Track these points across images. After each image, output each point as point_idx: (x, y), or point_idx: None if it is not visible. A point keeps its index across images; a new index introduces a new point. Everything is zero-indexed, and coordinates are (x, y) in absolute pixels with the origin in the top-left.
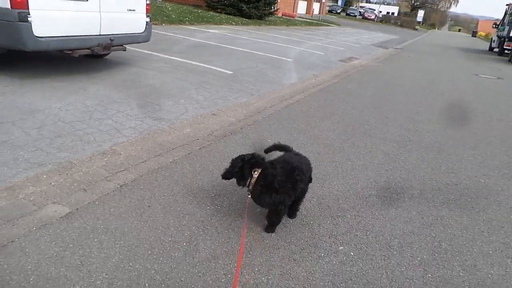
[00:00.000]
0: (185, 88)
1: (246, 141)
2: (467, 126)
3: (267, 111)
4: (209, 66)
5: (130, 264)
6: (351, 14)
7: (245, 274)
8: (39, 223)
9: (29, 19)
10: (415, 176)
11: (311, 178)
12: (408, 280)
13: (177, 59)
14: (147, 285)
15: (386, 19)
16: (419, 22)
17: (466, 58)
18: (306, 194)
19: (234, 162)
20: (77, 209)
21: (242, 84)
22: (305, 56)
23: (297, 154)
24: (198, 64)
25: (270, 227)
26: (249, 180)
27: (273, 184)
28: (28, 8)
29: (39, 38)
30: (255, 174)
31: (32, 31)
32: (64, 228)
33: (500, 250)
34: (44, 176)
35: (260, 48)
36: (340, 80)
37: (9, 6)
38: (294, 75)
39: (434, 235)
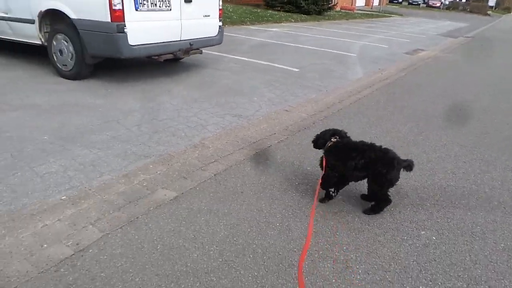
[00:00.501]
0: (256, 86)
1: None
2: None
3: (336, 106)
4: (275, 65)
5: (235, 239)
6: (414, 3)
7: (335, 251)
8: (155, 204)
9: (125, 30)
10: (495, 167)
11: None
12: (492, 263)
13: (245, 59)
14: (251, 256)
15: (453, 6)
16: (491, 7)
17: None
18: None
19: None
20: (182, 193)
21: (309, 81)
22: (368, 50)
23: (380, 148)
24: (265, 63)
25: (322, 185)
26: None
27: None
28: (124, 21)
29: (133, 46)
30: (334, 139)
31: (127, 41)
32: (175, 209)
33: None
34: (151, 166)
35: (322, 44)
36: (408, 73)
37: (109, 20)
38: (359, 69)
39: None
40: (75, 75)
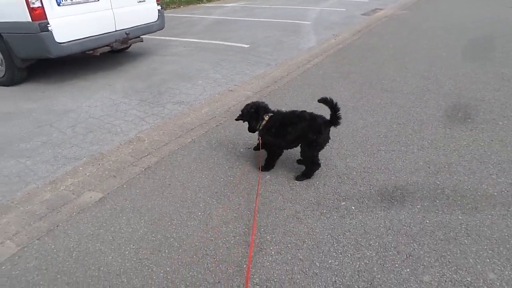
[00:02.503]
0: (203, 68)
1: None
2: (492, 67)
3: (284, 80)
4: (226, 43)
5: (153, 235)
6: None
7: (250, 235)
8: (78, 208)
9: (49, 28)
10: (427, 126)
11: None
12: (405, 227)
13: (196, 40)
14: (166, 251)
15: None
16: None
17: None
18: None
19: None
20: (108, 193)
21: (260, 56)
22: (324, 16)
23: (310, 115)
24: (216, 42)
25: (265, 167)
26: (260, 123)
27: (272, 129)
28: (46, 18)
29: (62, 44)
30: (266, 117)
31: (54, 39)
32: (98, 211)
33: (506, 191)
34: (80, 168)
35: (278, 14)
36: (362, 35)
37: (30, 19)
38: (312, 38)
39: (438, 182)
40: (9, 81)
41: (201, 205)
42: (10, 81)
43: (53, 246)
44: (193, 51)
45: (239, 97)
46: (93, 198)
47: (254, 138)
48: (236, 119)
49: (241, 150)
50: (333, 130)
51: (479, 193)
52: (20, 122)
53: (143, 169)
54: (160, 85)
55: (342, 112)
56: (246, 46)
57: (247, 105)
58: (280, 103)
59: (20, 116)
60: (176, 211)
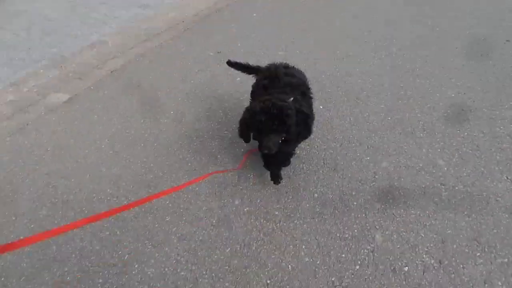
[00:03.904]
0: None
1: (231, 16)
2: None
3: None
4: None
5: (127, 131)
6: None
7: (221, 129)
8: (46, 109)
9: None
10: (398, 33)
11: None
12: (368, 122)
13: None
14: (142, 144)
15: None
16: None
17: None
18: None
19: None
20: (76, 95)
21: None
22: None
23: None
24: None
25: None
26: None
27: None
28: None
29: None
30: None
31: None
32: (68, 111)
33: (463, 93)
34: (41, 71)
35: None
36: None
37: None
38: None
39: (402, 85)
40: None
41: (173, 104)
42: None
43: (26, 142)
44: None
45: (209, 2)
46: (60, 99)
47: (224, 43)
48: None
49: (210, 53)
50: (302, 35)
51: (437, 95)
52: None
53: (110, 72)
54: None
55: (314, 19)
56: None
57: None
58: (251, 9)
59: None
60: (148, 110)
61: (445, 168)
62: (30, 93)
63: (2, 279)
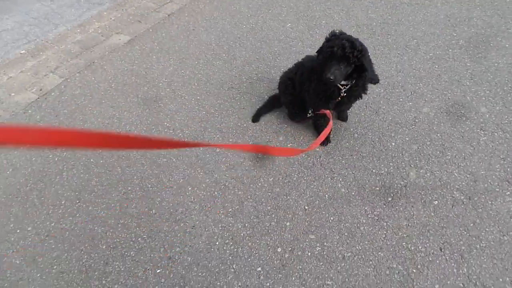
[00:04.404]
0: None
1: None
2: None
3: None
4: None
5: (182, 71)
6: None
7: (268, 73)
8: (109, 48)
9: None
10: None
11: None
12: (414, 70)
13: None
14: (196, 84)
15: None
16: None
17: None
18: None
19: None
20: (136, 36)
21: None
22: None
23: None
24: None
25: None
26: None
27: None
28: None
29: None
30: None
31: None
32: (129, 51)
33: None
34: (105, 13)
35: None
36: None
37: None
38: None
39: (455, 34)
40: None
41: (225, 47)
42: None
43: (93, 78)
44: None
45: None
46: (122, 40)
47: None
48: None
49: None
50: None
51: (491, 45)
52: None
53: (167, 15)
54: None
55: None
56: None
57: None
58: None
59: None
60: (201, 52)
61: (487, 115)
62: (95, 34)
63: (76, 193)
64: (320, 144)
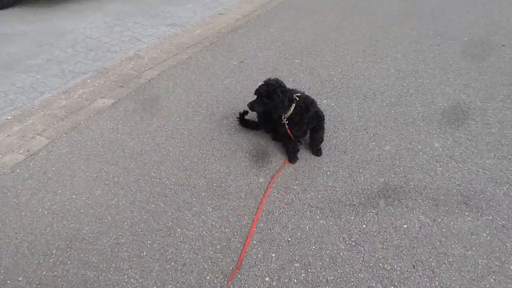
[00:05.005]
0: None
1: (251, 33)
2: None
3: (271, 4)
4: None
5: (165, 127)
6: None
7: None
8: (94, 111)
9: None
10: (401, 42)
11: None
12: (374, 115)
13: None
14: (178, 137)
15: None
16: None
17: None
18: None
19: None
20: (119, 99)
21: None
22: None
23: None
24: None
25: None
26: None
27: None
28: None
29: None
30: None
31: None
32: (113, 112)
33: (458, 90)
34: (88, 81)
35: None
36: None
37: None
38: None
39: (405, 84)
40: None
41: (203, 105)
42: None
43: (80, 138)
44: None
45: (229, 20)
46: (106, 104)
47: (246, 54)
48: (251, 108)
49: (234, 63)
50: (317, 47)
51: (437, 92)
52: (21, 42)
53: (147, 80)
54: (151, 8)
55: (326, 33)
56: None
57: (268, 84)
58: (268, 25)
59: (19, 37)
60: (182, 110)
61: (440, 149)
62: (79, 99)
63: (67, 242)
64: (289, 162)
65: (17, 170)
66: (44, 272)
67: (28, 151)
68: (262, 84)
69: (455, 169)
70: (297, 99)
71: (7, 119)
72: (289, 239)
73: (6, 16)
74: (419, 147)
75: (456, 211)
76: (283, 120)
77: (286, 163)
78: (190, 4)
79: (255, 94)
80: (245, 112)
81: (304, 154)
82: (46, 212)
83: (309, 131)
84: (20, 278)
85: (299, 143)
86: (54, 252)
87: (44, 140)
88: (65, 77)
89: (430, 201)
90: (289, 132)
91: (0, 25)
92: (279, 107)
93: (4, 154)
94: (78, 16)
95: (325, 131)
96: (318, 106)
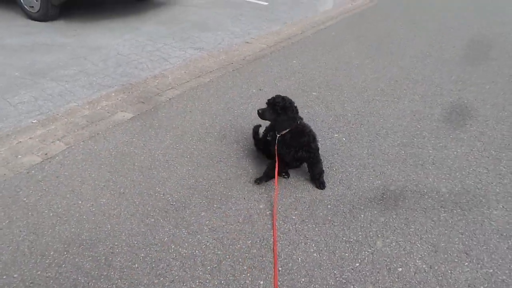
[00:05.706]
0: (222, 21)
1: (273, 62)
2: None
3: (297, 37)
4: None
5: (177, 145)
6: None
7: (255, 151)
8: (113, 123)
9: None
10: (422, 85)
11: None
12: (383, 154)
13: None
14: (188, 156)
15: None
16: None
17: None
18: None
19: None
20: (138, 114)
21: (277, 14)
22: None
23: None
24: None
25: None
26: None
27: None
28: None
29: None
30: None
31: None
32: (130, 126)
33: (474, 136)
34: (113, 94)
35: None
36: (380, 1)
37: None
38: (330, 0)
39: (419, 126)
40: (43, 17)
41: (217, 127)
42: (43, 17)
43: (95, 147)
44: (213, 4)
45: (255, 49)
46: (125, 117)
47: (266, 83)
48: (261, 115)
49: (253, 90)
50: (336, 82)
51: (451, 136)
52: (58, 53)
53: (168, 99)
54: (183, 32)
55: (347, 69)
56: (264, 3)
57: (284, 98)
58: (291, 57)
59: (57, 48)
60: (196, 130)
61: (447, 195)
62: (101, 110)
63: (65, 245)
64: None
65: (32, 171)
66: (39, 272)
67: (45, 154)
68: (277, 96)
69: (460, 217)
70: (299, 122)
71: (32, 122)
72: (280, 268)
73: (49, 28)
74: (425, 191)
75: (456, 260)
76: (278, 136)
77: (277, 192)
78: (220, 31)
79: (266, 103)
80: (258, 126)
81: (307, 185)
82: (51, 214)
83: (306, 164)
84: (16, 275)
85: (284, 174)
86: (51, 253)
87: (62, 145)
88: (92, 89)
89: (429, 246)
90: (276, 149)
91: (42, 36)
92: (287, 122)
93: (24, 155)
94: (114, 33)
95: (332, 164)
96: (321, 139)
